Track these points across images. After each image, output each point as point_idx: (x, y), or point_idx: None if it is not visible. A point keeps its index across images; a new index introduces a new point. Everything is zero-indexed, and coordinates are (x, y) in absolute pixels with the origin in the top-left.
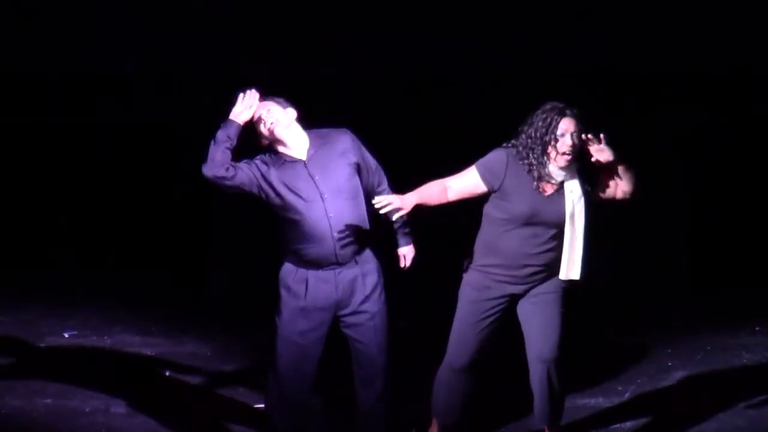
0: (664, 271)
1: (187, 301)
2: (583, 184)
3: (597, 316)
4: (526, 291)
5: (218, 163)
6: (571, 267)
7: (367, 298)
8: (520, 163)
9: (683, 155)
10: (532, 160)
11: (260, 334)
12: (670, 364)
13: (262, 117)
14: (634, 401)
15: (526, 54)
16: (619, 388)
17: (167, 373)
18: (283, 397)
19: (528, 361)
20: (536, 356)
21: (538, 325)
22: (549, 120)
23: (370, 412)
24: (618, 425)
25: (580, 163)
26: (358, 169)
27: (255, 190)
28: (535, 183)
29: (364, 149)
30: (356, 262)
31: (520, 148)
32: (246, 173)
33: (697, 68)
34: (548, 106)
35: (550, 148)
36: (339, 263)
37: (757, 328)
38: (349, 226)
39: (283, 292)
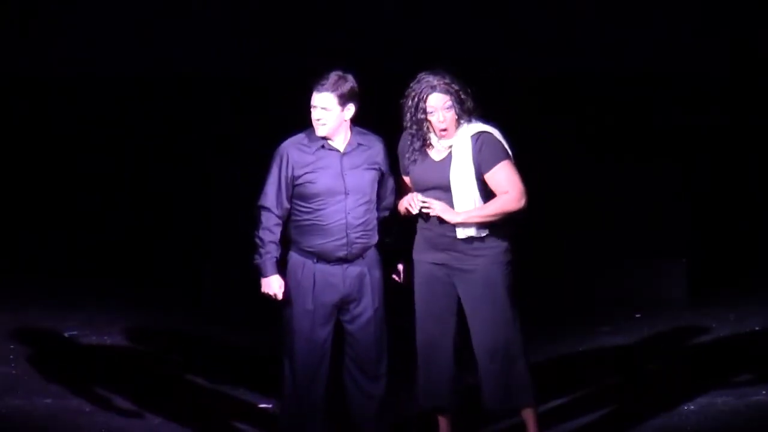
0: (661, 271)
1: (188, 300)
2: (476, 151)
3: (595, 315)
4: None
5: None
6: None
7: (372, 293)
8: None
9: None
10: (416, 135)
11: (262, 334)
12: (669, 364)
13: (317, 112)
14: (627, 398)
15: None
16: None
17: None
18: (295, 394)
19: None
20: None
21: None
22: (416, 99)
23: (363, 409)
24: (613, 421)
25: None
26: (381, 178)
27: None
28: (420, 151)
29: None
30: (363, 257)
31: (406, 126)
32: (284, 199)
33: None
34: (415, 82)
35: (424, 124)
36: (348, 260)
37: (756, 328)
38: (362, 226)
39: (292, 286)
